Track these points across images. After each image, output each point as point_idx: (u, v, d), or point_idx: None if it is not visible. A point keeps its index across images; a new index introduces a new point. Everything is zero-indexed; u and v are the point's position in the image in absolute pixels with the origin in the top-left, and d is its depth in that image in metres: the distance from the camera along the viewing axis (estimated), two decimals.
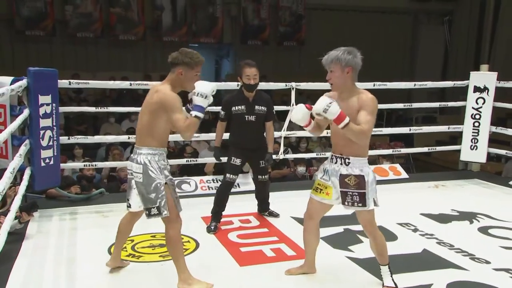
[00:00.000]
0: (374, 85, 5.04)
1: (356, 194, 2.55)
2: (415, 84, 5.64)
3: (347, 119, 2.40)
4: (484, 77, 5.50)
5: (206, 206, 4.25)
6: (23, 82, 3.73)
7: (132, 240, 3.35)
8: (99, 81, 5.04)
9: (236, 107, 3.68)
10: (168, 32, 12.32)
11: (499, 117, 8.68)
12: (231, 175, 3.72)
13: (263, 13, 13.10)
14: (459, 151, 5.72)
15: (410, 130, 6.17)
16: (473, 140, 5.52)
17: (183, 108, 2.65)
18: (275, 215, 3.99)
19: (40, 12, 11.30)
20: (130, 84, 4.58)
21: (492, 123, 5.56)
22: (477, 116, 5.48)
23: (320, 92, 2.65)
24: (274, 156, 4.36)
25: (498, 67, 6.57)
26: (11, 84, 3.58)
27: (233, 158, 3.73)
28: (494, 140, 5.89)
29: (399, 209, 4.21)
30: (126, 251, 3.19)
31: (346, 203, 2.59)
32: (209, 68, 15.22)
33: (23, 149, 3.67)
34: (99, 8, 11.75)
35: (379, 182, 5.09)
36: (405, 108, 8.23)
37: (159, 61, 11.97)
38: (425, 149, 6.44)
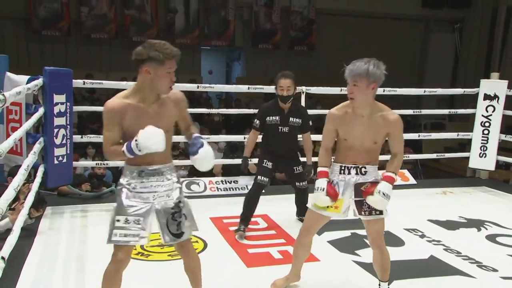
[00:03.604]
0: (384, 91, 5.04)
1: None
2: (425, 91, 5.64)
3: (394, 176, 2.40)
4: (494, 85, 5.50)
5: (215, 207, 4.30)
6: (39, 81, 3.81)
7: None
8: (112, 82, 5.13)
9: (271, 117, 3.64)
10: (180, 34, 12.44)
11: (508, 125, 8.64)
12: (263, 177, 3.63)
13: (275, 18, 13.17)
14: (467, 158, 5.71)
15: (419, 136, 6.17)
16: (482, 148, 5.51)
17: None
18: None
19: (56, 12, 11.47)
20: None
21: (502, 131, 5.55)
22: (487, 124, 5.47)
23: (329, 96, 2.62)
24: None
25: (508, 75, 6.53)
26: (27, 83, 3.67)
27: (265, 161, 3.66)
28: (503, 148, 5.89)
29: (407, 215, 4.21)
30: (135, 249, 3.24)
31: (363, 212, 2.44)
32: (221, 70, 15.31)
33: (37, 147, 3.73)
34: (114, 10, 11.91)
35: None
36: (413, 114, 8.19)
37: None
38: (433, 156, 6.44)
